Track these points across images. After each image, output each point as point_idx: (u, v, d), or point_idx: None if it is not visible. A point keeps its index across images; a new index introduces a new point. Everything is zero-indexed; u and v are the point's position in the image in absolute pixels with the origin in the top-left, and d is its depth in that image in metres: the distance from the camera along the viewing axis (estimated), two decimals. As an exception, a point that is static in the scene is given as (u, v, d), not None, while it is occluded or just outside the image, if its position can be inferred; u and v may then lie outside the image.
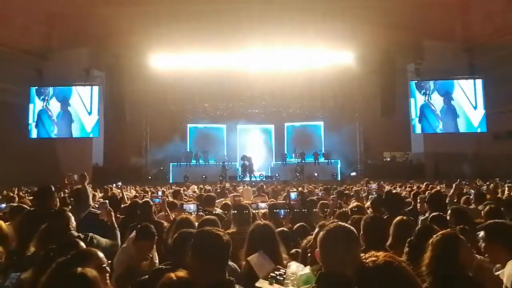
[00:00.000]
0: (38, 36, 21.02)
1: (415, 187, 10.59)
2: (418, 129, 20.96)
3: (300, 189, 10.36)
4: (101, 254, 2.35)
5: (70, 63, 21.16)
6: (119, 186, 9.57)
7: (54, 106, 21.38)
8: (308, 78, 21.84)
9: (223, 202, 6.80)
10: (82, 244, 2.67)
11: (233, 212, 4.63)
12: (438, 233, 2.61)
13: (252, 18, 24.97)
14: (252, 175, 21.75)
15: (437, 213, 4.10)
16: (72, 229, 3.60)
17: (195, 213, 5.75)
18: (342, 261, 2.06)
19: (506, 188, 7.93)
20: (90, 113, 21.25)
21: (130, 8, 21.48)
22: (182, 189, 10.84)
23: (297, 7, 23.76)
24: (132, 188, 12.77)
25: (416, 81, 21.05)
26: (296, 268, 2.58)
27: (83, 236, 3.56)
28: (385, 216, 4.29)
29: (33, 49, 21.12)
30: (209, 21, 24.93)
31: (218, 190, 10.95)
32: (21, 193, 10.69)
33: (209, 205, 6.12)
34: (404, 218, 3.60)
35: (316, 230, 2.64)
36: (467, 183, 8.92)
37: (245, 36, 24.97)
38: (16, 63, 19.83)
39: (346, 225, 2.30)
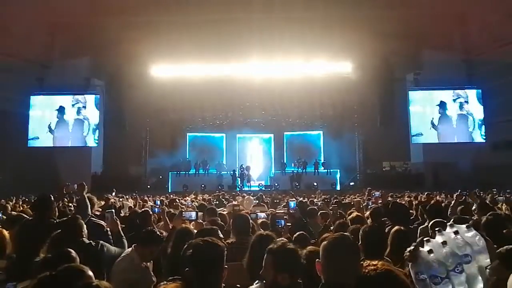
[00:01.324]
0: (39, 45, 21.11)
1: (412, 197, 10.58)
2: (434, 138, 20.97)
3: (300, 198, 10.34)
4: (90, 273, 2.22)
5: (71, 72, 21.22)
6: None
7: (71, 115, 21.61)
8: (307, 88, 21.92)
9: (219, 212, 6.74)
10: (75, 256, 2.62)
11: (233, 221, 4.60)
12: None
13: (252, 28, 25.14)
14: (250, 184, 21.71)
15: (438, 220, 4.06)
16: (84, 236, 3.62)
17: (194, 221, 5.73)
18: (343, 272, 2.06)
19: (501, 204, 7.85)
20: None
21: (131, 18, 21.60)
22: (183, 198, 10.81)
23: (296, 17, 23.92)
24: (130, 198, 12.71)
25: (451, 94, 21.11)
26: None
27: (94, 243, 3.62)
28: (389, 226, 4.26)
29: (34, 58, 21.21)
30: (209, 31, 25.08)
31: (216, 202, 10.90)
32: (19, 203, 10.64)
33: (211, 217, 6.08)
34: (402, 228, 3.58)
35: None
36: (467, 193, 8.90)
37: (244, 46, 25.10)
38: (17, 72, 19.89)
39: (347, 235, 2.30)
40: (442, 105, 20.92)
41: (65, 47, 21.60)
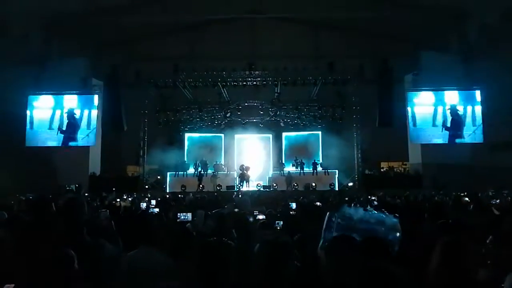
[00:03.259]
0: (36, 44, 21.04)
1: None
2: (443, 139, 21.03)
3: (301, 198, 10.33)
4: None
5: (69, 72, 21.14)
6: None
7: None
8: (306, 88, 21.95)
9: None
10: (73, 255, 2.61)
11: (232, 222, 4.59)
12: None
13: (251, 28, 25.21)
14: (249, 184, 21.68)
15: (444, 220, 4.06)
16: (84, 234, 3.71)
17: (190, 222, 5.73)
18: (345, 270, 2.06)
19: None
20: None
21: (129, 18, 21.57)
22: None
23: (296, 18, 23.97)
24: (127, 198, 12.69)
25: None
26: None
27: (94, 241, 3.69)
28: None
29: (31, 58, 21.13)
30: (208, 31, 25.14)
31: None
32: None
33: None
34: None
35: None
36: (465, 194, 8.93)
37: (243, 45, 25.16)
38: (15, 72, 19.81)
39: (349, 235, 2.30)
40: (453, 107, 21.00)
41: (63, 46, 21.56)
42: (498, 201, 8.84)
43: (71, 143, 21.28)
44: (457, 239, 2.58)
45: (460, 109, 21.09)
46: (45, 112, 21.59)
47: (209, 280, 2.23)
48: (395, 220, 2.50)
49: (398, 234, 2.44)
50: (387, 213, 2.57)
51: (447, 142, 20.98)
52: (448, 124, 20.98)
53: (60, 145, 21.21)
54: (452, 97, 21.31)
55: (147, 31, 24.75)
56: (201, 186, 20.91)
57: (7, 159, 18.74)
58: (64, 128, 21.31)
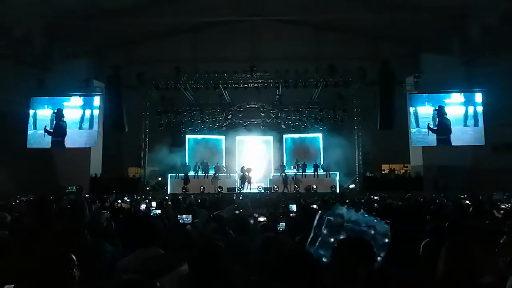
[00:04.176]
0: (38, 46, 21.10)
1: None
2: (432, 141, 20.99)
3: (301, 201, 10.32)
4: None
5: (71, 73, 21.17)
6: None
7: (70, 116, 21.50)
8: (307, 90, 21.95)
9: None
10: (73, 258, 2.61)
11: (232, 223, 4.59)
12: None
13: (253, 30, 25.28)
14: (250, 186, 21.66)
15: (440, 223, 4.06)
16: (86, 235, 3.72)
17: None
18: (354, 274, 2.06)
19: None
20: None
21: (131, 20, 21.65)
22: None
23: (297, 20, 24.02)
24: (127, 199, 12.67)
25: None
26: None
27: (95, 243, 3.71)
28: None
29: (34, 60, 21.19)
30: (209, 33, 25.20)
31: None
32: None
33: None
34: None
35: None
36: (466, 196, 8.91)
37: (244, 47, 25.21)
38: (17, 74, 19.86)
39: (358, 238, 2.31)
40: (441, 109, 20.89)
41: (65, 48, 21.62)
42: (509, 205, 8.70)
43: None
44: (463, 242, 2.58)
45: (450, 111, 20.97)
46: (75, 112, 21.53)
47: (204, 281, 2.23)
48: (386, 226, 2.50)
49: (387, 240, 2.44)
50: (378, 219, 2.57)
51: (449, 145, 20.87)
52: (434, 127, 20.86)
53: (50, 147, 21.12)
54: (452, 99, 21.23)
55: (148, 33, 24.83)
56: (202, 187, 20.90)
57: (9, 160, 18.77)
58: (51, 130, 21.17)
